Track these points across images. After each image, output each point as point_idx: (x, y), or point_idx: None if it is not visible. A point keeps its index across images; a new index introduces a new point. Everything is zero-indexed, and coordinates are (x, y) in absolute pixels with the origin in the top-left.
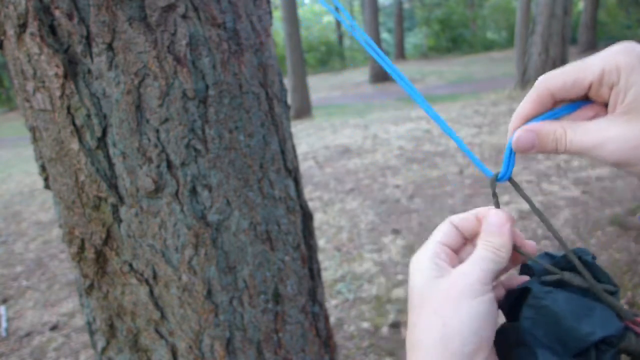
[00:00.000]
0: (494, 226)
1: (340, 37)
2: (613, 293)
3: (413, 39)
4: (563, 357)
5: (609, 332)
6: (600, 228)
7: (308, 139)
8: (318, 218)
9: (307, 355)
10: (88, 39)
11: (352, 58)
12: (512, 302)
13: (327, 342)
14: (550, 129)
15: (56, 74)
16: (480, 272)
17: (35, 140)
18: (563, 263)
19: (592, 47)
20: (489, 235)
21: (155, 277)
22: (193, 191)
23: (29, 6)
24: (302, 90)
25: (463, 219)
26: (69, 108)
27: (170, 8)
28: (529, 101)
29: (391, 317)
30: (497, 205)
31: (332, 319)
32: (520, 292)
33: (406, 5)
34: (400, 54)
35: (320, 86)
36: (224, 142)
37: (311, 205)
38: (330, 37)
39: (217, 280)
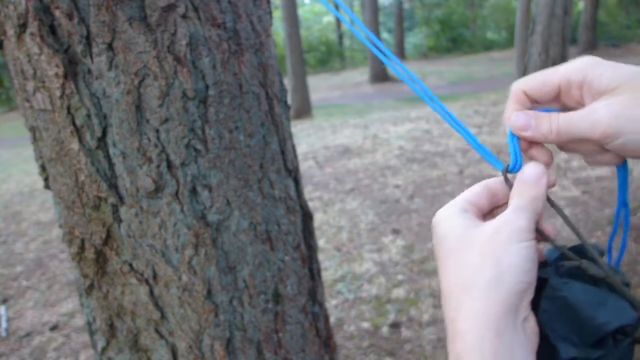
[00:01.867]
0: (532, 176)
1: (340, 37)
2: (626, 285)
3: (413, 39)
4: (581, 348)
5: (624, 321)
6: (600, 228)
7: (308, 139)
8: (318, 218)
9: (307, 355)
10: (88, 39)
11: (352, 58)
12: None
13: (327, 342)
14: (545, 114)
15: (56, 74)
16: (524, 219)
17: (35, 140)
18: (573, 255)
19: (592, 47)
20: (524, 186)
21: (155, 277)
22: (193, 191)
23: (29, 6)
24: (302, 90)
25: (475, 193)
26: (69, 108)
27: (170, 8)
28: (510, 105)
29: (391, 317)
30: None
31: (332, 319)
32: (538, 282)
33: (406, 5)
34: (400, 54)
35: (320, 86)
36: (224, 142)
37: (311, 205)
38: (330, 37)
39: (217, 280)
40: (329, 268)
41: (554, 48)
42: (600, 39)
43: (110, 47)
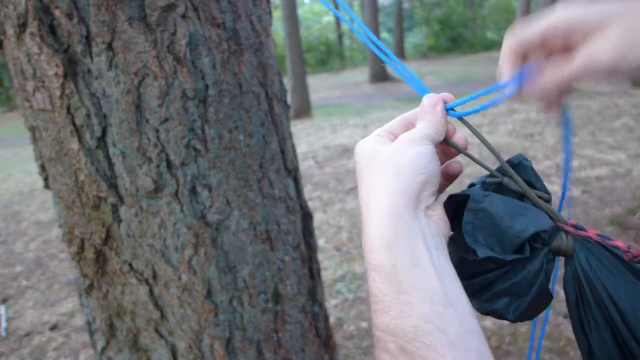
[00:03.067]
0: (428, 107)
1: (340, 37)
2: (547, 200)
3: (413, 39)
4: (498, 252)
5: (540, 227)
6: (600, 228)
7: (308, 139)
8: (318, 218)
9: (307, 355)
10: (88, 39)
11: (352, 58)
12: (454, 210)
13: (327, 342)
14: (539, 69)
15: (56, 74)
16: (421, 131)
17: (35, 140)
18: (496, 172)
19: None
20: (425, 115)
21: (155, 277)
22: (193, 191)
23: (29, 6)
24: (302, 90)
25: (392, 124)
26: (69, 108)
27: (170, 8)
28: (506, 64)
29: None
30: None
31: (332, 319)
32: (463, 200)
33: (406, 5)
34: (400, 54)
35: (320, 86)
36: (224, 142)
37: (311, 205)
38: (330, 37)
39: (217, 280)
40: (329, 268)
41: None
42: None
43: (110, 47)
